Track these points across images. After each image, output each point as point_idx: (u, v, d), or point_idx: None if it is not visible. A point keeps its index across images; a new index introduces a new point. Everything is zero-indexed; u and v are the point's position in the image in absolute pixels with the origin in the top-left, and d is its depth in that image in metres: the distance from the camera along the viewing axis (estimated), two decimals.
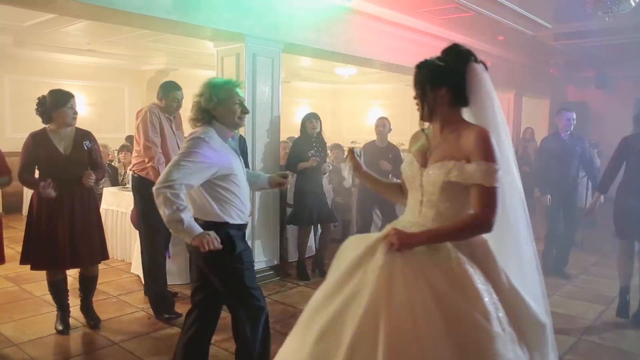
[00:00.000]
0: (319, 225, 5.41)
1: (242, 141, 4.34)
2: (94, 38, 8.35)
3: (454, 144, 1.85)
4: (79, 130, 3.69)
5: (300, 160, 5.06)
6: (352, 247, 1.94)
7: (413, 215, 1.96)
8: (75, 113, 3.61)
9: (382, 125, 5.63)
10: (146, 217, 3.93)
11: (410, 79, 1.96)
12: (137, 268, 5.15)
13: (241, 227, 2.64)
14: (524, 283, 1.88)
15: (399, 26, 6.52)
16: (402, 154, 6.02)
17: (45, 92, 3.58)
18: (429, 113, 1.92)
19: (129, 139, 8.62)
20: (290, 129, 7.71)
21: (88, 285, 3.86)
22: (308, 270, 5.27)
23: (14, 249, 6.16)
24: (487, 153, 1.76)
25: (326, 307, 1.81)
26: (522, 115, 10.45)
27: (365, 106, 13.57)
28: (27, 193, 8.18)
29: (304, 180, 5.12)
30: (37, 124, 3.68)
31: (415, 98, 1.95)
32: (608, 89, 10.60)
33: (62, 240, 3.51)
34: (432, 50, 1.94)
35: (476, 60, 1.89)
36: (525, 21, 6.76)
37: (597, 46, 8.42)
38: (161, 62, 10.01)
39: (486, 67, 1.92)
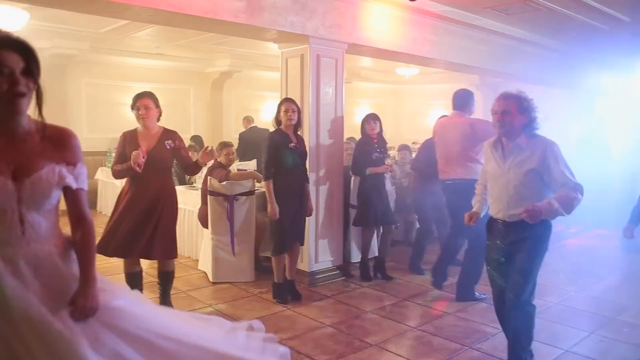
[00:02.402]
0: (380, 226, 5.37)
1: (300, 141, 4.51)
2: (162, 42, 8.71)
3: None
4: (165, 130, 3.95)
5: (365, 163, 5.07)
6: None
7: None
8: (141, 113, 3.81)
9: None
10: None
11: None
12: (204, 265, 5.32)
13: None
14: None
15: (464, 24, 6.35)
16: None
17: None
18: None
19: (194, 139, 8.92)
20: (351, 129, 7.71)
21: (164, 279, 4.09)
22: (370, 271, 5.26)
23: None
24: None
25: None
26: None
27: (426, 106, 13.36)
28: (102, 190, 8.62)
29: (368, 181, 5.11)
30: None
31: None
32: None
33: (141, 231, 3.72)
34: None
35: None
36: (600, 15, 6.42)
37: None
38: (225, 64, 10.27)
39: None
